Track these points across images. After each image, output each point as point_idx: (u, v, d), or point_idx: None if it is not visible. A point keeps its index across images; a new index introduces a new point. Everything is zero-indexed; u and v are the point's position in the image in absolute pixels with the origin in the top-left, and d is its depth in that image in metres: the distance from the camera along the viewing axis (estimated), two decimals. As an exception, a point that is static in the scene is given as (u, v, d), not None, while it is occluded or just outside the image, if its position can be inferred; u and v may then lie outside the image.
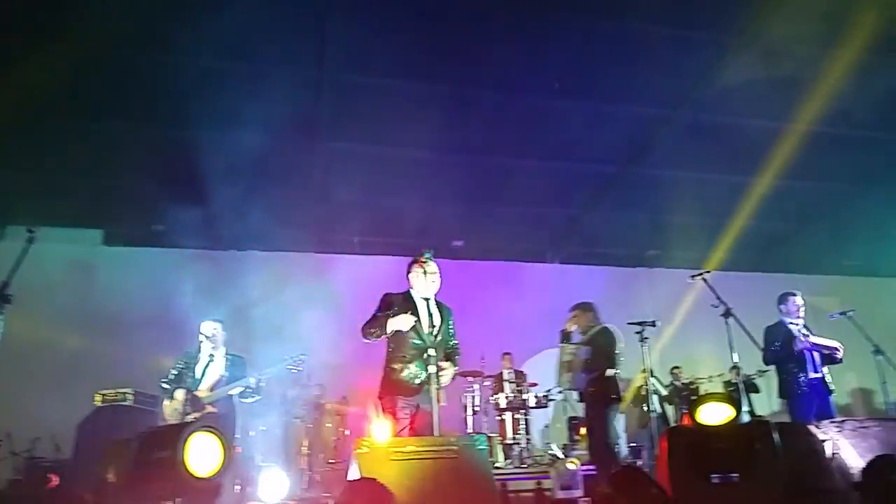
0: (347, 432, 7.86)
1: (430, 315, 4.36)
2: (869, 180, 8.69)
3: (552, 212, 9.59)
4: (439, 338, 4.29)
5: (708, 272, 5.87)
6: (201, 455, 2.40)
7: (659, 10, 5.93)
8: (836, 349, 5.85)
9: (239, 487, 6.06)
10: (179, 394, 5.47)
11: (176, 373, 5.67)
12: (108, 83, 6.41)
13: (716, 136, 7.66)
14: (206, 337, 5.66)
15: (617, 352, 5.78)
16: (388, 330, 4.19)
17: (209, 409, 5.50)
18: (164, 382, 5.68)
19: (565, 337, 6.09)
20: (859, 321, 6.01)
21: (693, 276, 5.91)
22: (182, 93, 6.52)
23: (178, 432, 2.38)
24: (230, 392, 5.57)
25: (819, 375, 5.82)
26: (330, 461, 7.59)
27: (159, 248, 9.19)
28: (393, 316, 4.22)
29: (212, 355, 5.70)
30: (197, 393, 5.53)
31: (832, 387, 5.87)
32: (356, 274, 9.47)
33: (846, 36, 6.14)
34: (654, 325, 6.68)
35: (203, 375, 5.63)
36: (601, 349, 5.67)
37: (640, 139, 7.90)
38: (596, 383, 5.62)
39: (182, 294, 7.81)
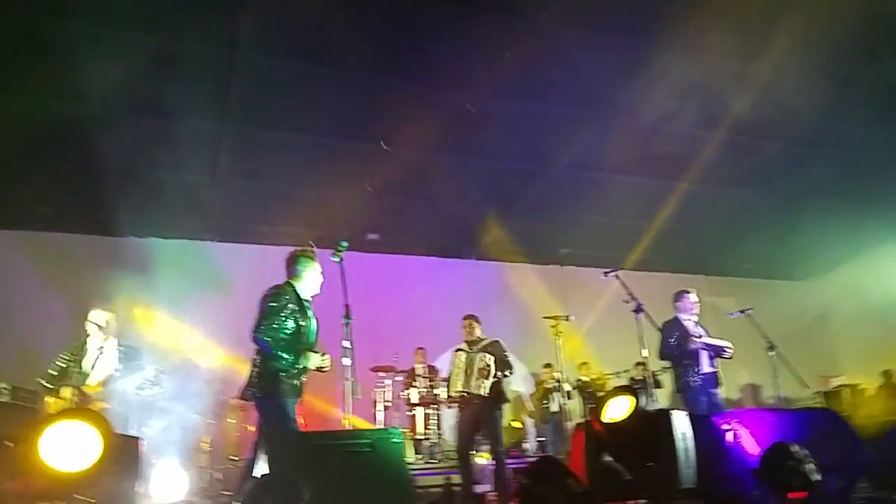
0: (251, 428, 7.51)
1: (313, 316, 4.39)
2: (767, 187, 9.23)
3: (468, 208, 9.58)
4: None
5: (621, 269, 6.05)
6: (71, 448, 2.09)
7: (577, 12, 6.00)
8: (724, 348, 6.14)
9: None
10: (66, 391, 5.02)
11: (61, 366, 5.20)
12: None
13: (630, 139, 7.86)
14: (98, 327, 5.22)
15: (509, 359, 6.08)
16: (314, 365, 4.17)
17: (100, 405, 5.08)
18: (44, 379, 5.19)
19: (475, 343, 6.15)
20: (755, 320, 6.34)
21: (606, 273, 6.08)
22: (76, 63, 5.92)
23: (34, 424, 2.06)
24: (125, 387, 5.16)
25: (711, 370, 6.09)
26: (232, 458, 7.25)
27: (45, 231, 8.44)
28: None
29: (101, 347, 5.26)
30: (85, 388, 5.09)
31: (721, 381, 6.16)
32: (262, 265, 9.09)
33: (762, 45, 6.40)
34: (567, 320, 6.87)
35: (92, 369, 5.20)
36: (501, 357, 6.03)
37: (557, 139, 8.02)
38: (497, 387, 5.97)
39: (70, 282, 7.21)
